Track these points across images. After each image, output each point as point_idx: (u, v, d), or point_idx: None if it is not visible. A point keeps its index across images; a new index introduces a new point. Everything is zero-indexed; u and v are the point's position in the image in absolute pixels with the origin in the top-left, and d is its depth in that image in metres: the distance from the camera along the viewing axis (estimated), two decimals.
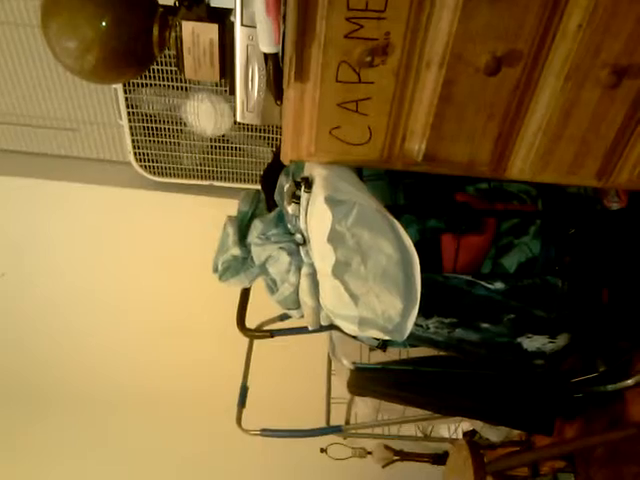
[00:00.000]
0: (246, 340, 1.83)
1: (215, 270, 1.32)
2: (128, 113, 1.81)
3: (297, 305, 1.25)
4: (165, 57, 1.69)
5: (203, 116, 1.76)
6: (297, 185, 1.15)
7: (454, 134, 1.06)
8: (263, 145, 1.88)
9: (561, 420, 1.78)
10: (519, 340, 1.31)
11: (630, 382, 1.52)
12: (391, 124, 1.05)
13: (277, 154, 1.22)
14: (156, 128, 1.86)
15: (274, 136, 1.85)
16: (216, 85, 1.74)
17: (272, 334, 1.58)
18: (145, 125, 1.85)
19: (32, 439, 2.63)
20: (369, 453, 2.29)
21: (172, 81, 1.75)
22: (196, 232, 1.95)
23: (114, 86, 1.78)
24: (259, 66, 1.07)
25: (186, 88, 1.76)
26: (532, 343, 1.31)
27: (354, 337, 1.33)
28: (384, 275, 1.09)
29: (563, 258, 1.28)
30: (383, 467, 2.30)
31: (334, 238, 1.08)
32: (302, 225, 1.18)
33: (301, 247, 1.20)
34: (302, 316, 1.28)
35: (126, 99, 1.79)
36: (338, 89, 1.01)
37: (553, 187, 1.26)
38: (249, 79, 1.09)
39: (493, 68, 0.97)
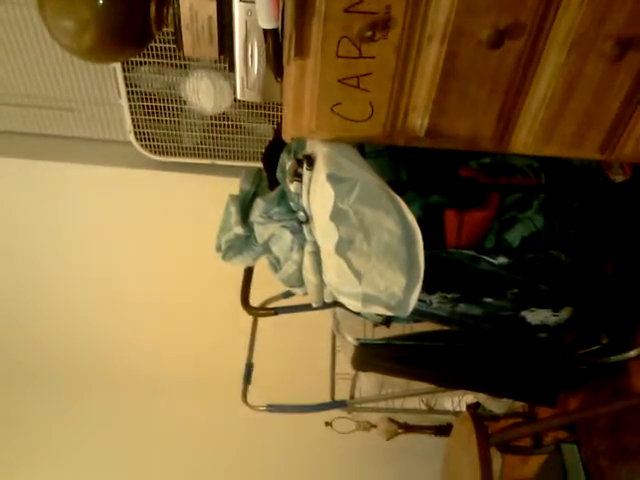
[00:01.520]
0: (251, 318, 1.85)
1: (218, 249, 1.33)
2: (127, 92, 1.80)
3: (301, 283, 1.26)
4: (164, 34, 1.67)
5: (203, 94, 1.74)
6: (299, 163, 1.15)
7: (457, 109, 1.05)
8: (264, 122, 1.87)
9: (564, 392, 1.79)
10: (522, 314, 1.31)
11: (633, 353, 1.53)
12: (393, 100, 1.04)
13: (278, 132, 1.21)
14: (156, 107, 1.84)
15: (275, 113, 1.83)
16: (215, 62, 1.72)
17: (276, 312, 1.59)
18: (145, 104, 1.83)
19: (31, 421, 2.66)
20: (374, 426, 2.32)
21: (171, 59, 1.73)
22: (198, 211, 1.95)
23: (113, 65, 1.76)
24: (258, 42, 1.06)
25: (185, 66, 1.74)
26: (535, 317, 1.32)
27: (358, 314, 1.33)
28: (387, 252, 1.09)
29: (567, 232, 1.28)
30: (387, 440, 2.33)
31: (337, 216, 1.08)
32: (304, 203, 1.18)
33: (304, 225, 1.20)
34: (306, 293, 1.29)
35: (125, 78, 1.77)
36: (339, 65, 0.99)
37: (556, 160, 1.26)
38: (248, 56, 1.08)
39: (496, 41, 0.96)
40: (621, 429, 1.64)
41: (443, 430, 2.24)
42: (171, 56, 1.72)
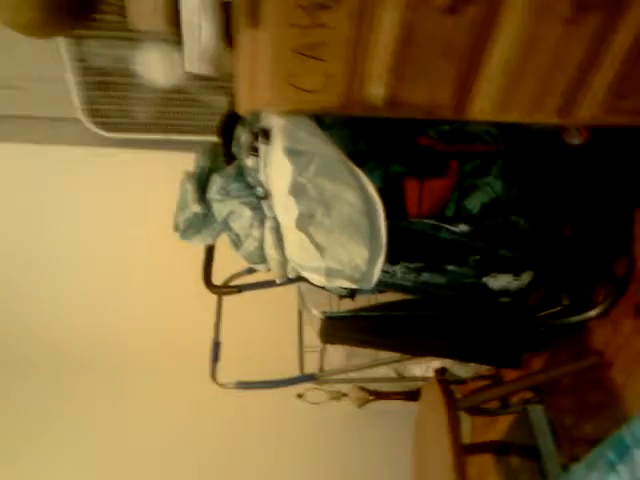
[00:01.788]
0: (215, 296, 1.82)
1: (176, 229, 1.29)
2: (73, 67, 1.72)
3: (263, 259, 1.24)
4: (109, 5, 1.59)
5: (153, 67, 1.67)
6: (255, 136, 1.12)
7: (414, 77, 1.03)
8: (219, 95, 1.81)
9: (528, 354, 1.83)
10: (484, 280, 1.32)
11: (593, 313, 1.56)
12: (348, 69, 1.02)
13: (233, 104, 1.17)
14: (105, 82, 1.76)
15: (230, 85, 1.77)
16: (165, 33, 1.65)
17: (240, 289, 1.57)
18: (93, 79, 1.75)
19: (9, 402, 2.61)
20: (345, 395, 2.35)
21: (118, 31, 1.66)
22: (155, 188, 1.90)
23: (56, 39, 1.68)
24: (207, 11, 1.02)
25: (133, 38, 1.67)
26: (497, 282, 1.33)
27: (322, 287, 1.32)
28: (349, 225, 1.08)
29: (526, 197, 1.29)
30: (359, 407, 2.36)
31: (296, 190, 1.06)
32: (262, 178, 1.16)
33: (263, 201, 1.18)
34: (269, 270, 1.27)
35: (70, 52, 1.69)
36: (291, 34, 0.96)
37: (515, 126, 1.25)
38: (196, 26, 1.03)
39: (452, 6, 0.94)
40: (584, 387, 1.69)
41: (413, 395, 2.28)
42: (118, 28, 1.65)
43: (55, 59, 1.78)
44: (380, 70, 1.02)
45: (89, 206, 2.15)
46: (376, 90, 1.05)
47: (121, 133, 1.88)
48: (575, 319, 1.60)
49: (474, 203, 1.27)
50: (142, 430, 2.58)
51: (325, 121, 1.22)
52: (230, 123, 1.28)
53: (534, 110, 1.11)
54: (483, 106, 1.09)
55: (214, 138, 1.38)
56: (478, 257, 1.27)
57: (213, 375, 1.82)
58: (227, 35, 1.03)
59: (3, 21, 1.08)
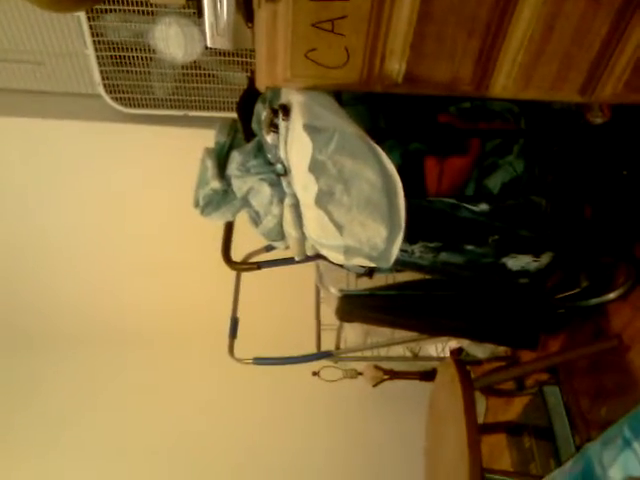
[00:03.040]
0: (234, 273, 1.83)
1: (196, 205, 1.30)
2: (94, 42, 1.72)
3: (282, 237, 1.24)
4: None
5: (172, 42, 1.67)
6: (274, 113, 1.12)
7: (435, 52, 1.02)
8: (238, 70, 1.80)
9: (545, 335, 1.82)
10: (503, 260, 1.31)
11: (612, 295, 1.55)
12: (369, 44, 1.00)
13: (252, 80, 1.16)
14: (124, 57, 1.76)
15: (249, 61, 1.77)
16: (184, 8, 1.64)
17: (259, 266, 1.58)
18: (113, 54, 1.76)
19: (19, 379, 2.66)
20: (360, 374, 2.36)
21: (138, 5, 1.65)
22: (174, 165, 1.91)
23: (77, 14, 1.68)
24: None
25: (153, 12, 1.67)
26: (516, 262, 1.32)
27: (340, 265, 1.33)
28: (368, 203, 1.08)
29: (547, 176, 1.27)
30: (374, 386, 2.37)
31: (315, 167, 1.05)
32: (282, 154, 1.15)
33: (282, 178, 1.17)
34: (288, 247, 1.27)
35: (90, 27, 1.69)
36: (312, 8, 0.95)
37: (536, 104, 1.23)
38: (217, 0, 1.03)
39: None
40: (600, 370, 1.68)
41: (428, 375, 2.28)
42: (137, 2, 1.64)
43: (76, 34, 1.79)
44: (401, 46, 1.01)
45: (108, 181, 2.16)
46: (397, 66, 1.04)
47: (140, 109, 1.89)
48: (594, 301, 1.59)
49: (495, 182, 1.25)
50: (159, 405, 2.62)
51: (344, 98, 1.21)
52: (249, 99, 1.27)
53: (556, 88, 1.09)
54: (504, 83, 1.07)
55: (233, 114, 1.38)
56: (497, 237, 1.26)
57: (230, 350, 1.84)
58: (247, 10, 1.03)
59: None
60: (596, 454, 0.90)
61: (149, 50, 1.74)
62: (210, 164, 1.26)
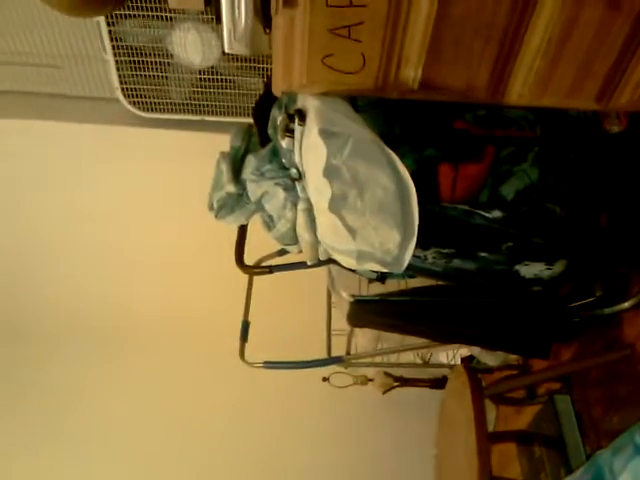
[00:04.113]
0: (246, 276, 1.84)
1: (211, 208, 1.31)
2: (113, 47, 1.75)
3: (295, 240, 1.25)
4: None
5: (190, 47, 1.69)
6: (290, 118, 1.12)
7: (451, 59, 1.02)
8: (254, 76, 1.82)
9: (558, 344, 1.81)
10: (517, 268, 1.31)
11: (626, 305, 1.54)
12: (385, 50, 1.01)
13: (268, 86, 1.18)
14: (143, 62, 1.79)
15: (266, 66, 1.79)
16: (202, 14, 1.66)
17: (271, 270, 1.58)
18: (131, 59, 1.78)
19: (29, 378, 2.68)
20: (370, 380, 2.36)
21: (156, 11, 1.68)
22: (189, 169, 1.92)
23: (96, 19, 1.70)
24: None
25: (171, 18, 1.69)
26: (530, 270, 1.32)
27: (353, 270, 1.33)
28: (381, 208, 1.08)
29: (562, 184, 1.27)
30: (384, 393, 2.36)
31: (330, 172, 1.06)
32: (297, 159, 1.16)
33: (297, 182, 1.18)
34: (300, 251, 1.28)
35: (110, 32, 1.71)
36: (329, 14, 0.96)
37: (552, 112, 1.23)
38: (235, 6, 1.04)
39: None
40: (613, 379, 1.67)
41: (438, 383, 2.28)
42: (156, 8, 1.67)
43: (95, 39, 1.81)
44: (417, 52, 1.02)
45: (124, 185, 2.19)
46: (412, 72, 1.04)
47: (158, 113, 1.91)
48: (608, 310, 1.58)
49: (509, 189, 1.25)
50: (166, 408, 2.62)
51: (360, 103, 1.22)
52: (265, 104, 1.28)
53: (572, 95, 1.09)
54: (520, 90, 1.07)
55: (249, 120, 1.39)
56: (511, 244, 1.26)
57: (241, 354, 1.85)
58: (265, 16, 1.04)
59: (45, 0, 1.09)
60: (606, 461, 0.89)
61: (167, 55, 1.76)
62: (225, 168, 1.27)
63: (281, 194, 1.19)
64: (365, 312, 1.70)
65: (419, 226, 1.08)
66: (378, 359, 2.14)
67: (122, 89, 1.85)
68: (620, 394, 1.63)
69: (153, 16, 1.68)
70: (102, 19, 1.68)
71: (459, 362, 2.26)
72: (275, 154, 1.23)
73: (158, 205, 2.24)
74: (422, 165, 1.24)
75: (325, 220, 1.13)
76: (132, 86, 1.84)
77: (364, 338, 2.03)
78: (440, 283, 1.52)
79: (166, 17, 1.68)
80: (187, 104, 1.89)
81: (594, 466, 0.93)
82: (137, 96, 1.87)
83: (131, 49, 1.76)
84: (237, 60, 1.78)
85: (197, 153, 1.71)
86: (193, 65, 1.76)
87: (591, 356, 1.73)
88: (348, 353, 2.02)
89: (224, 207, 1.29)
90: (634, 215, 1.36)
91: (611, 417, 1.64)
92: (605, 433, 1.64)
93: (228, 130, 1.35)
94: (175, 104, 1.89)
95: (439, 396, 1.80)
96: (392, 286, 1.61)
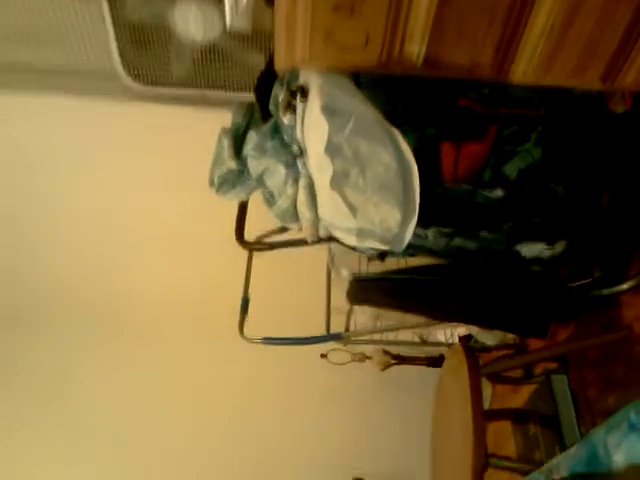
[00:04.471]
0: (246, 253, 1.84)
1: (211, 183, 1.31)
2: (113, 21, 1.72)
3: (295, 218, 1.25)
4: None
5: (192, 22, 1.67)
6: (292, 94, 1.12)
7: (455, 36, 1.01)
8: (256, 52, 1.80)
9: (556, 324, 1.82)
10: (517, 247, 1.31)
11: (625, 286, 1.54)
12: (389, 27, 1.00)
13: (270, 62, 1.17)
14: (144, 36, 1.77)
15: (268, 42, 1.77)
16: None
17: (271, 246, 1.59)
18: (132, 34, 1.76)
19: (31, 361, 2.69)
20: (368, 358, 2.37)
21: None
22: (190, 144, 1.91)
23: None
24: None
25: None
26: (530, 250, 1.32)
27: (353, 248, 1.33)
28: (382, 186, 1.08)
29: (565, 164, 1.26)
30: (382, 370, 2.38)
31: (331, 149, 1.06)
32: (298, 136, 1.16)
33: (298, 159, 1.18)
34: (301, 229, 1.28)
35: (110, 6, 1.69)
36: None
37: (557, 91, 1.22)
38: None
39: None
40: (609, 360, 1.68)
41: (436, 361, 2.30)
42: None
43: (96, 13, 1.79)
44: (421, 29, 1.01)
45: (124, 160, 2.17)
46: (416, 49, 1.04)
47: (158, 87, 1.89)
48: (606, 291, 1.58)
49: (512, 169, 1.25)
50: (168, 385, 2.65)
51: (362, 80, 1.21)
52: (267, 80, 1.28)
53: (577, 75, 1.08)
54: (524, 68, 1.07)
55: (250, 95, 1.38)
56: (512, 223, 1.26)
57: (240, 328, 1.86)
58: None
59: None
60: (601, 439, 0.91)
61: (168, 30, 1.74)
62: (226, 144, 1.27)
63: (282, 170, 1.19)
64: (364, 290, 1.70)
65: (420, 204, 1.08)
66: (377, 337, 2.15)
67: (123, 64, 1.83)
68: (616, 375, 1.64)
69: None
70: None
71: (457, 341, 2.27)
72: (277, 130, 1.22)
73: (158, 181, 2.23)
74: (424, 143, 1.23)
75: (326, 197, 1.13)
76: (133, 61, 1.82)
77: (363, 316, 2.04)
78: (440, 262, 1.52)
79: None
80: (188, 79, 1.87)
81: (588, 443, 0.94)
82: (138, 71, 1.85)
83: (132, 24, 1.74)
84: (239, 36, 1.76)
85: (198, 128, 1.70)
86: (195, 40, 1.74)
87: (588, 337, 1.74)
88: (347, 330, 2.03)
89: (225, 183, 1.29)
90: (635, 195, 1.35)
91: (607, 398, 1.66)
92: (600, 413, 1.66)
93: (229, 106, 1.35)
94: (176, 79, 1.87)
95: (436, 374, 1.81)
96: (392, 264, 1.61)
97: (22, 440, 2.51)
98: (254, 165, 1.23)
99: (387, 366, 2.38)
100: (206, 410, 2.59)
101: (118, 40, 1.78)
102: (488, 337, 2.11)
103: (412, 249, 1.33)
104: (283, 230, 1.70)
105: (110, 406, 2.60)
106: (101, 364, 2.69)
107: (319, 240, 1.30)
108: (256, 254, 1.86)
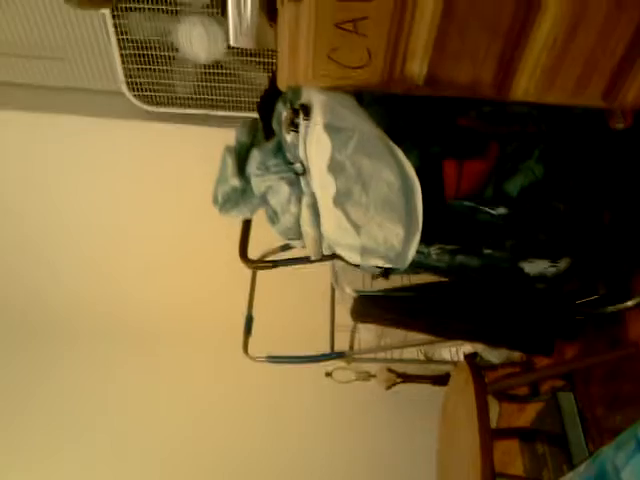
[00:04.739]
0: (250, 271, 1.84)
1: (215, 201, 1.31)
2: (118, 40, 1.74)
3: (299, 235, 1.25)
4: None
5: (196, 41, 1.69)
6: (295, 112, 1.12)
7: (456, 54, 1.02)
8: (259, 71, 1.82)
9: (561, 341, 1.81)
10: (521, 265, 1.31)
11: (630, 303, 1.53)
12: (391, 45, 1.01)
13: (273, 80, 1.17)
14: (148, 55, 1.78)
15: (271, 61, 1.78)
16: (208, 7, 1.66)
17: (275, 264, 1.58)
18: (136, 52, 1.78)
19: (31, 371, 2.69)
20: (373, 376, 2.36)
21: (162, 4, 1.67)
22: (194, 163, 1.93)
23: (102, 12, 1.70)
24: None
25: (177, 11, 1.69)
26: (534, 267, 1.31)
27: (356, 266, 1.33)
28: (385, 203, 1.08)
29: (567, 181, 1.26)
30: (386, 389, 2.37)
31: (334, 167, 1.06)
32: (301, 154, 1.16)
33: (301, 177, 1.18)
34: (304, 246, 1.28)
35: (115, 25, 1.71)
36: (335, 8, 0.96)
37: (557, 109, 1.23)
38: (241, 0, 1.04)
39: None
40: (616, 378, 1.67)
41: (441, 380, 2.28)
42: (162, 1, 1.66)
43: (100, 31, 1.81)
44: (422, 47, 1.01)
45: (128, 178, 2.19)
46: (418, 68, 1.04)
47: (162, 107, 1.91)
48: (611, 309, 1.57)
49: (514, 186, 1.25)
50: (171, 400, 2.63)
51: (365, 98, 1.22)
52: (270, 99, 1.28)
53: (579, 92, 1.08)
54: (526, 86, 1.07)
55: (254, 114, 1.39)
56: (514, 241, 1.26)
57: (245, 348, 1.85)
58: (270, 10, 1.04)
59: None
60: (609, 457, 0.89)
61: (172, 49, 1.76)
62: (230, 162, 1.27)
63: (285, 189, 1.19)
64: (369, 307, 1.70)
65: (423, 222, 1.08)
66: (381, 355, 2.14)
67: (127, 82, 1.85)
68: (623, 392, 1.63)
69: (159, 9, 1.68)
70: (107, 11, 1.68)
71: (462, 359, 2.26)
72: (280, 149, 1.23)
73: (162, 199, 2.24)
74: (427, 161, 1.23)
75: (329, 215, 1.13)
76: (137, 79, 1.84)
77: (367, 334, 2.03)
78: (444, 279, 1.52)
79: (172, 10, 1.68)
80: (192, 98, 1.89)
81: (597, 461, 0.93)
82: (142, 90, 1.87)
83: (136, 42, 1.76)
84: (242, 54, 1.78)
85: (201, 147, 1.71)
86: (198, 59, 1.76)
87: (595, 354, 1.73)
88: (351, 348, 2.02)
89: (229, 201, 1.29)
90: (637, 213, 1.35)
91: (614, 415, 1.64)
92: (608, 431, 1.64)
93: (232, 125, 1.35)
94: (180, 98, 1.89)
95: (442, 392, 1.80)
96: (396, 282, 1.61)
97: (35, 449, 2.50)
98: (257, 183, 1.23)
99: (392, 384, 2.37)
100: (207, 428, 2.57)
101: (123, 59, 1.79)
102: (494, 355, 2.09)
103: (416, 267, 1.33)
104: (287, 248, 1.70)
105: (108, 414, 2.59)
106: (102, 377, 2.68)
107: (323, 258, 1.30)
108: (260, 272, 1.86)
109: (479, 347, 2.12)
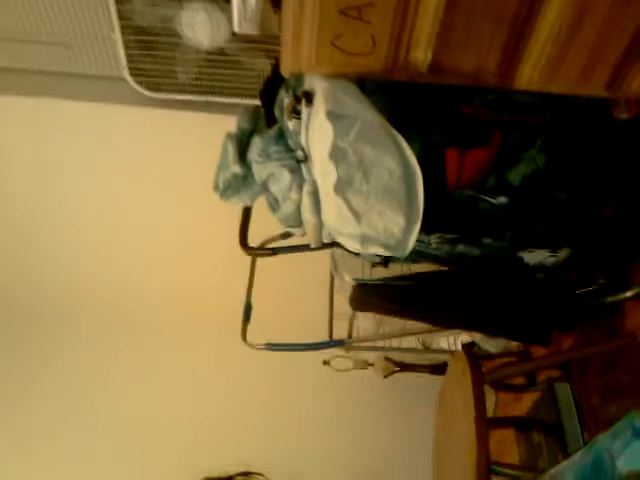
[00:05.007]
0: (249, 258, 1.85)
1: (216, 188, 1.31)
2: (121, 26, 1.74)
3: (299, 223, 1.25)
4: None
5: (199, 27, 1.68)
6: (297, 99, 1.12)
7: (461, 42, 1.02)
8: (262, 57, 1.81)
9: (559, 331, 1.82)
10: (521, 254, 1.31)
11: (628, 294, 1.54)
12: (395, 32, 1.01)
13: (276, 67, 1.17)
14: (150, 41, 1.78)
15: (274, 47, 1.77)
16: None
17: (274, 252, 1.59)
18: (139, 38, 1.77)
19: (31, 362, 2.69)
20: (370, 365, 2.37)
21: None
22: (195, 149, 1.92)
23: None
24: None
25: None
26: (533, 257, 1.32)
27: (356, 254, 1.33)
28: (386, 191, 1.08)
29: (569, 171, 1.26)
30: (384, 378, 2.38)
31: (336, 154, 1.06)
32: (303, 141, 1.16)
33: (302, 164, 1.18)
34: (304, 234, 1.28)
35: (118, 11, 1.70)
36: None
37: (561, 98, 1.23)
38: None
39: None
40: (613, 368, 1.67)
41: (439, 369, 2.29)
42: None
43: (103, 17, 1.81)
44: (427, 34, 1.01)
45: (130, 164, 2.19)
46: (422, 55, 1.04)
47: (164, 93, 1.90)
48: (610, 299, 1.58)
49: (516, 175, 1.25)
50: (171, 390, 2.64)
51: (368, 86, 1.22)
52: (273, 86, 1.28)
53: (582, 82, 1.08)
54: (530, 75, 1.07)
55: (256, 101, 1.39)
56: (515, 231, 1.26)
57: (243, 335, 1.86)
58: None
59: None
60: (605, 445, 0.91)
61: (175, 35, 1.76)
62: (231, 148, 1.27)
63: (287, 176, 1.19)
64: (367, 296, 1.70)
65: (424, 211, 1.08)
66: (379, 343, 2.15)
67: (129, 68, 1.84)
68: (620, 383, 1.64)
69: None
70: None
71: (460, 348, 2.27)
72: (281, 136, 1.23)
73: (163, 185, 2.24)
74: (429, 149, 1.23)
75: (330, 203, 1.13)
76: (140, 66, 1.84)
77: (366, 322, 2.04)
78: (443, 268, 1.52)
79: None
80: (194, 85, 1.88)
81: (593, 449, 0.94)
82: (144, 76, 1.86)
83: (139, 28, 1.75)
84: (245, 41, 1.77)
85: (203, 134, 1.71)
86: (201, 45, 1.75)
87: (592, 344, 1.74)
88: (350, 336, 2.03)
89: (229, 188, 1.29)
90: (638, 204, 1.35)
91: (610, 405, 1.65)
92: (604, 421, 1.65)
93: (234, 111, 1.35)
94: (182, 84, 1.88)
95: (439, 381, 1.81)
96: (395, 270, 1.61)
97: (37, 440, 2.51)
98: (258, 170, 1.23)
99: (390, 373, 2.38)
100: (207, 413, 2.58)
101: (125, 45, 1.79)
102: (491, 344, 2.10)
103: (415, 255, 1.33)
104: (287, 235, 1.70)
105: (108, 402, 2.60)
106: (103, 365, 2.69)
107: (323, 245, 1.30)
108: (260, 260, 1.86)
109: (477, 336, 2.13)
